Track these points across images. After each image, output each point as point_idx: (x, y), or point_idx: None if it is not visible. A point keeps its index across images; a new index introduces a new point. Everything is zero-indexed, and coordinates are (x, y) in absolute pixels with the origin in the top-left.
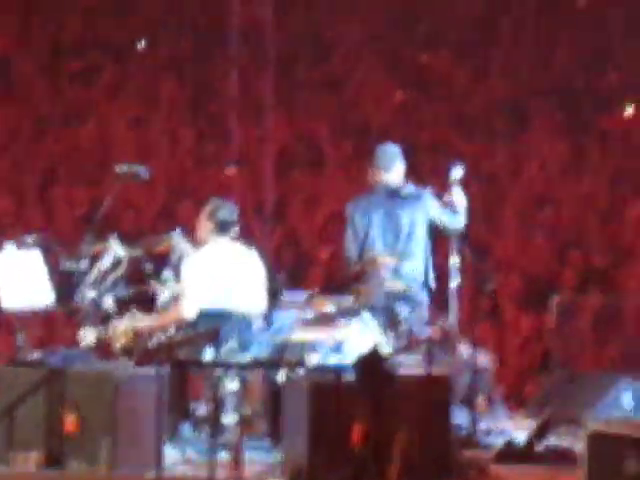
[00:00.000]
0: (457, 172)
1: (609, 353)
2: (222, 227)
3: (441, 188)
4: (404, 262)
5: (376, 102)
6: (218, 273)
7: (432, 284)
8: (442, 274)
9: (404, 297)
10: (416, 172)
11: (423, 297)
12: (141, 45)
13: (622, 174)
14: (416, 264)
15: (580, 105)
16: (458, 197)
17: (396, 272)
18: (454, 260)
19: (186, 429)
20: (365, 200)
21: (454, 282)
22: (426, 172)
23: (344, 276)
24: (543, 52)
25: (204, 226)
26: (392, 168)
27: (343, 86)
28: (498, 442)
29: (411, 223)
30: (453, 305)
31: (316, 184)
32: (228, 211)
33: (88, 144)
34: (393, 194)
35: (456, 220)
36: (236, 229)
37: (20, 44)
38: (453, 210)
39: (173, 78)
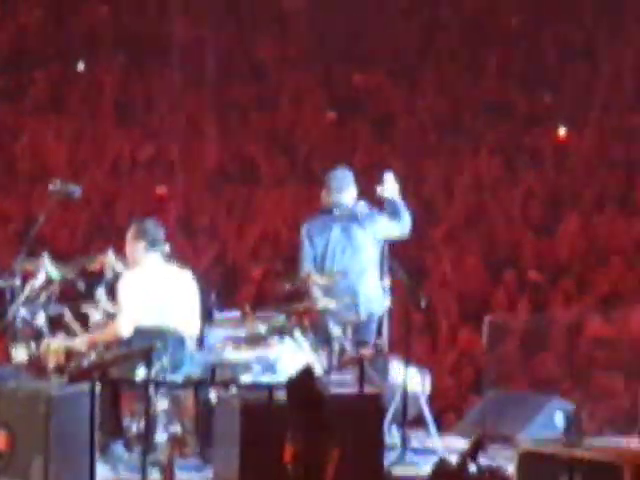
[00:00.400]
0: (389, 176)
1: (539, 373)
2: (152, 244)
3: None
4: (345, 280)
5: (310, 121)
6: (153, 292)
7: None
8: None
9: (336, 316)
10: None
11: (357, 316)
12: (80, 65)
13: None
14: (369, 280)
15: (513, 123)
16: (390, 185)
17: (329, 291)
18: (385, 280)
19: (118, 447)
20: (320, 220)
21: (386, 301)
22: (360, 190)
23: (279, 294)
24: (476, 70)
25: (133, 247)
26: (345, 190)
27: (276, 105)
28: (430, 461)
29: (365, 241)
30: (385, 324)
31: (249, 202)
32: (154, 229)
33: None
34: (348, 214)
35: (403, 225)
36: (164, 247)
37: None
38: (392, 208)
39: (108, 94)
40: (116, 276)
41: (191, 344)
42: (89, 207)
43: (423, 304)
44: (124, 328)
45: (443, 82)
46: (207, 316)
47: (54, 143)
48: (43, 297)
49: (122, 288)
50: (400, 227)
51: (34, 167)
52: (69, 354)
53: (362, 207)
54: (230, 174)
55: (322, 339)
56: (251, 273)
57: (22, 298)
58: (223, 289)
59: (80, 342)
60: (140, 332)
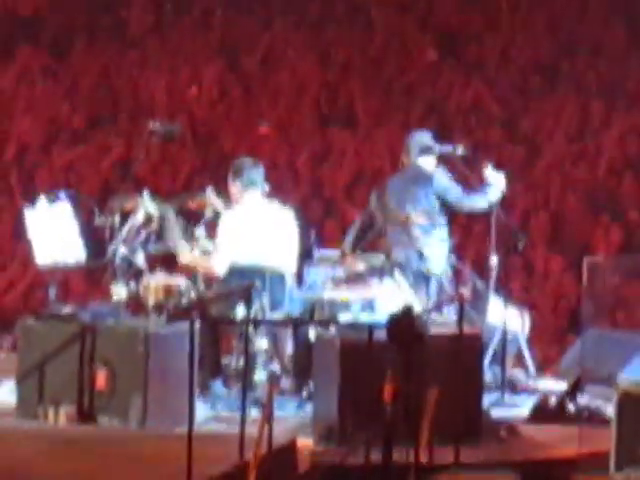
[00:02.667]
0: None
1: (638, 312)
2: (248, 183)
3: None
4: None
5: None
6: (252, 230)
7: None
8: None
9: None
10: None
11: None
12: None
13: None
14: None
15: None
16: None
17: (427, 231)
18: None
19: (218, 385)
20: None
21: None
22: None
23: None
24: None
25: (233, 185)
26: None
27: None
28: (530, 402)
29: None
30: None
31: (348, 141)
32: (251, 168)
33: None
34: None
35: (469, 204)
36: (264, 186)
37: None
38: (482, 191)
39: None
40: (216, 215)
41: (290, 282)
42: (190, 145)
43: (521, 245)
44: (219, 266)
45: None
46: (306, 255)
47: (155, 79)
48: (142, 235)
49: (221, 226)
50: (465, 204)
51: (135, 104)
52: (168, 292)
53: (440, 175)
54: (328, 114)
55: (421, 278)
56: (349, 213)
57: (121, 237)
58: (322, 228)
59: (179, 280)
60: (237, 270)
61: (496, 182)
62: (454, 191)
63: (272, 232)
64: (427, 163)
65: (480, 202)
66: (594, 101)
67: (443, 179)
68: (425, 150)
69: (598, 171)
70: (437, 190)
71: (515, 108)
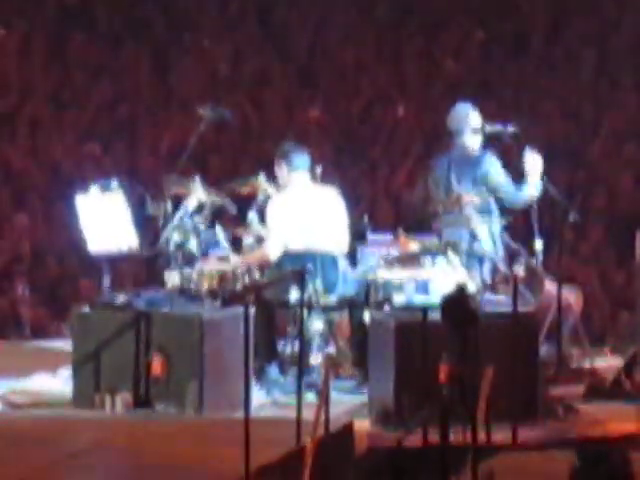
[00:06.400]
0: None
1: None
2: (294, 166)
3: None
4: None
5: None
6: (301, 214)
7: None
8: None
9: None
10: None
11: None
12: None
13: None
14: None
15: None
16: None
17: (480, 210)
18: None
19: (273, 370)
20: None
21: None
22: None
23: (431, 215)
24: None
25: (279, 170)
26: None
27: None
28: (585, 380)
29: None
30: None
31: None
32: (296, 151)
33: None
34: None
35: (503, 195)
36: (311, 168)
37: None
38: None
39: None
40: (267, 199)
41: (343, 264)
42: (241, 130)
43: (572, 218)
44: (272, 251)
45: None
46: (360, 237)
47: (205, 65)
48: (195, 221)
49: (270, 211)
50: (517, 203)
51: (188, 91)
52: (222, 278)
53: (495, 169)
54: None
55: (475, 258)
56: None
57: (174, 222)
58: (375, 212)
59: (233, 266)
60: (289, 255)
61: (535, 170)
62: (507, 189)
63: (321, 214)
64: (475, 142)
65: (525, 199)
66: None
67: (497, 175)
68: (476, 131)
69: None
70: (489, 186)
71: None
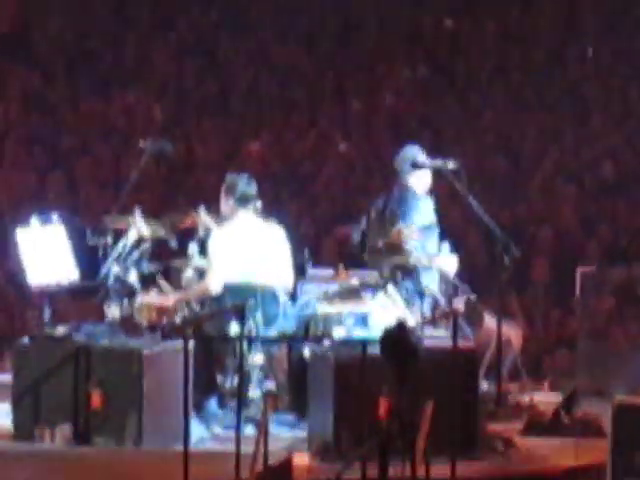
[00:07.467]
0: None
1: (634, 326)
2: (242, 201)
3: None
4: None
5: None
6: (244, 247)
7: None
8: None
9: (429, 269)
10: None
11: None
12: None
13: None
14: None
15: None
16: None
17: (419, 246)
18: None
19: (212, 404)
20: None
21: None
22: None
23: (370, 250)
24: None
25: (225, 202)
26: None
27: None
28: (524, 415)
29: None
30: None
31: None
32: (246, 185)
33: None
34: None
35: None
36: (256, 203)
37: None
38: None
39: None
40: (208, 233)
41: (284, 299)
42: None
43: (508, 260)
44: (214, 285)
45: None
46: (300, 272)
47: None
48: (135, 254)
49: (212, 245)
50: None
51: (127, 125)
52: (162, 311)
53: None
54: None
55: (415, 293)
56: (340, 230)
57: (114, 256)
58: (315, 245)
59: (172, 299)
60: (230, 288)
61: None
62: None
63: (266, 249)
64: (418, 183)
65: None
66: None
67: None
68: (415, 165)
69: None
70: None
71: None
